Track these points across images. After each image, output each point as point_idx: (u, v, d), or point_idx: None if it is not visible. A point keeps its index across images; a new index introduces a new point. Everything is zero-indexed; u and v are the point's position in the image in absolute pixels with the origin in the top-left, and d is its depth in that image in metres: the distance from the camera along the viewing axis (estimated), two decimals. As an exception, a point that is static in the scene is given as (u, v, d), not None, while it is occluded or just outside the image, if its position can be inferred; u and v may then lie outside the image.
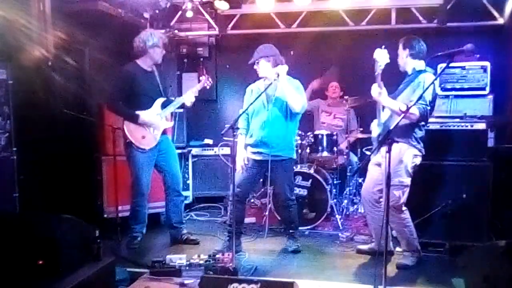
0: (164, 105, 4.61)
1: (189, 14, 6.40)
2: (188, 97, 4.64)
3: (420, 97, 3.58)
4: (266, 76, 4.32)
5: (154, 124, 4.52)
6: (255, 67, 4.35)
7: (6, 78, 4.05)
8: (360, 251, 4.47)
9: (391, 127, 3.29)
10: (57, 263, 3.13)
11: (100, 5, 5.28)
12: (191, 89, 4.67)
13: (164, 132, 4.66)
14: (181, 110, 5.83)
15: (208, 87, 4.74)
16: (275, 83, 4.22)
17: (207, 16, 6.57)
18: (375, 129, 4.19)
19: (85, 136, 5.10)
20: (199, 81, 4.78)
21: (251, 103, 4.15)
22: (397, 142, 3.89)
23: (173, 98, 4.80)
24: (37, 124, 4.41)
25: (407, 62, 4.07)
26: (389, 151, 3.12)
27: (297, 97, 4.26)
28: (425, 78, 3.84)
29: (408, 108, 3.51)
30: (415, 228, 4.09)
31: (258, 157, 4.38)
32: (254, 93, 4.38)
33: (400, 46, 4.09)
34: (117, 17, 5.64)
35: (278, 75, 4.15)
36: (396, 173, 3.87)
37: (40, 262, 3.12)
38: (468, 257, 3.22)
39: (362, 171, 5.77)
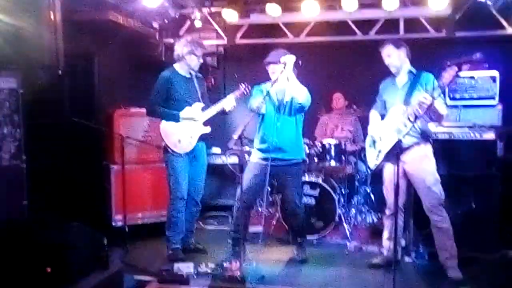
0: (202, 111, 4.58)
1: (198, 23, 6.43)
2: (228, 102, 4.54)
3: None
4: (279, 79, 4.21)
5: (193, 122, 4.48)
6: (270, 67, 4.26)
7: (17, 87, 4.09)
8: (374, 266, 4.27)
9: (401, 137, 3.26)
10: (65, 271, 3.15)
11: (110, 14, 5.34)
12: (231, 94, 4.58)
13: (200, 139, 4.60)
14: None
15: (246, 94, 4.55)
16: (286, 86, 4.22)
17: (215, 26, 6.60)
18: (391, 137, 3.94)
19: (94, 145, 5.13)
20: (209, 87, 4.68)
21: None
22: (419, 144, 3.91)
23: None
24: (47, 133, 4.44)
25: (405, 61, 4.06)
26: (397, 160, 3.12)
27: (301, 88, 4.27)
28: (430, 76, 3.85)
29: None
30: (424, 238, 4.05)
31: (266, 162, 4.27)
32: (261, 96, 4.30)
33: (392, 47, 4.03)
34: (126, 27, 5.70)
35: (285, 64, 4.10)
36: (430, 172, 3.89)
37: (48, 270, 3.13)
38: (477, 268, 3.20)
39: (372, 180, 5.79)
